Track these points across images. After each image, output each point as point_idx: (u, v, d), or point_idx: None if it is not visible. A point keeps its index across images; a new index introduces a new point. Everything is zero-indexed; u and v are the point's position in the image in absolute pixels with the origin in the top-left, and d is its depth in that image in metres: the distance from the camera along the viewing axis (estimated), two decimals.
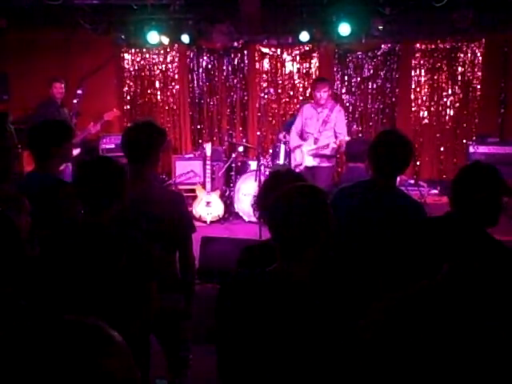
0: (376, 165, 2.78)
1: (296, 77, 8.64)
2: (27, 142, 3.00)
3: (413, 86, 8.30)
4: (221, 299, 1.78)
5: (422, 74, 8.30)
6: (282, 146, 7.44)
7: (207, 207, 7.39)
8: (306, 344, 1.57)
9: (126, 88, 8.75)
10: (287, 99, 8.66)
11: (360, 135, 8.20)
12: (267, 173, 6.79)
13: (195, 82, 8.80)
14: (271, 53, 8.60)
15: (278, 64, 8.63)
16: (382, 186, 2.76)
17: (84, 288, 2.12)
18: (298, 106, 7.80)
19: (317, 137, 6.32)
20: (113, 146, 7.67)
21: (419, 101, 8.36)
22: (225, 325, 1.75)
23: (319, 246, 1.66)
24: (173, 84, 8.75)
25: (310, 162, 6.39)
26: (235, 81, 8.76)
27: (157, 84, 8.77)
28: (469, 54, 8.08)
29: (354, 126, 7.58)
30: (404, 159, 2.75)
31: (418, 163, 8.37)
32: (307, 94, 8.37)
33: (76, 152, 6.89)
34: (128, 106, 8.77)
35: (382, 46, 8.24)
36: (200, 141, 8.84)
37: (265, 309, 1.65)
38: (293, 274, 1.66)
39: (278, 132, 7.82)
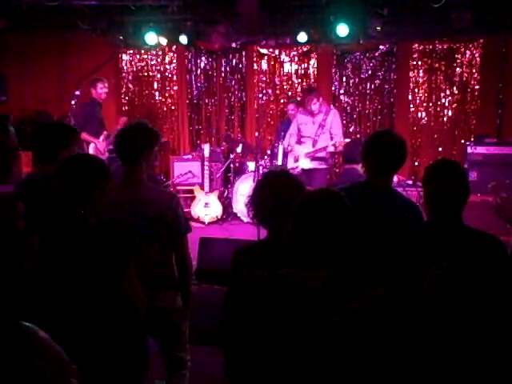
0: (371, 165, 2.77)
1: (294, 77, 8.65)
2: (32, 145, 2.94)
3: (411, 87, 8.31)
4: (230, 301, 1.73)
5: (420, 74, 8.31)
6: (281, 147, 7.44)
7: (205, 208, 7.39)
8: (320, 351, 1.53)
9: (124, 89, 8.76)
10: (285, 100, 8.66)
11: (358, 136, 8.21)
12: None
13: (193, 82, 8.82)
14: (269, 54, 8.61)
15: (276, 65, 8.64)
16: (378, 187, 2.76)
17: (70, 283, 2.06)
18: (289, 106, 7.74)
19: (315, 140, 6.35)
20: (112, 146, 7.67)
21: (417, 101, 8.36)
22: (235, 327, 1.71)
23: (338, 254, 1.64)
24: (171, 85, 8.76)
25: (307, 164, 6.43)
26: (233, 82, 8.78)
27: (155, 85, 8.78)
28: (467, 55, 8.07)
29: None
30: (398, 159, 2.74)
31: (416, 164, 8.37)
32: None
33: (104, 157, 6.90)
34: (126, 107, 8.78)
35: (380, 46, 8.25)
36: (198, 142, 8.85)
37: (278, 313, 1.62)
38: (309, 280, 1.63)
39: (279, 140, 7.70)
